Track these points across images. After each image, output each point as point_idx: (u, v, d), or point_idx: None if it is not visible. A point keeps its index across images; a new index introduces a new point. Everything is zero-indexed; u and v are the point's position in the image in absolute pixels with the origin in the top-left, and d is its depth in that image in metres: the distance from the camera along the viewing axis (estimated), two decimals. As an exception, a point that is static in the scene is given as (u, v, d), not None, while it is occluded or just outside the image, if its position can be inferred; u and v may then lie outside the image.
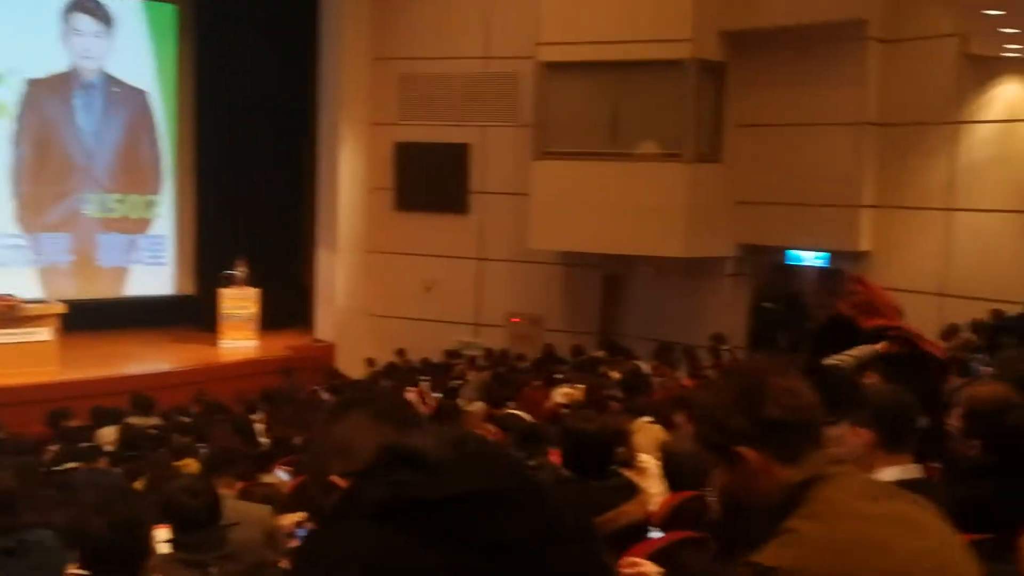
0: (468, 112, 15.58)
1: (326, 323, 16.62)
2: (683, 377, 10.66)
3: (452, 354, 14.67)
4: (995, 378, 4.70)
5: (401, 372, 13.55)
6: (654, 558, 3.11)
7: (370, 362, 14.54)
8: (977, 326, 10.10)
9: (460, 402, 9.55)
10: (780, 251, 14.21)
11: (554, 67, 13.97)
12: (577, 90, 14.09)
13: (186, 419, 10.28)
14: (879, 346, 5.88)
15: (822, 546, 1.54)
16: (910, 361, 5.53)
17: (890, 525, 1.58)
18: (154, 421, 9.72)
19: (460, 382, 12.06)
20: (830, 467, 1.67)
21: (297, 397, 12.56)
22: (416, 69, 15.81)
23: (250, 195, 17.26)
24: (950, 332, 9.91)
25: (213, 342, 15.52)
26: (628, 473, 4.31)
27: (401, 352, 14.61)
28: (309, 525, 3.85)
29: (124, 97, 16.93)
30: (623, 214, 13.35)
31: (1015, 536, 2.93)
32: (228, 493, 4.46)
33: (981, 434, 3.31)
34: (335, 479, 1.57)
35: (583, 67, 13.84)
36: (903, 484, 2.88)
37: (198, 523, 3.55)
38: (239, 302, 15.58)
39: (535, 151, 14.19)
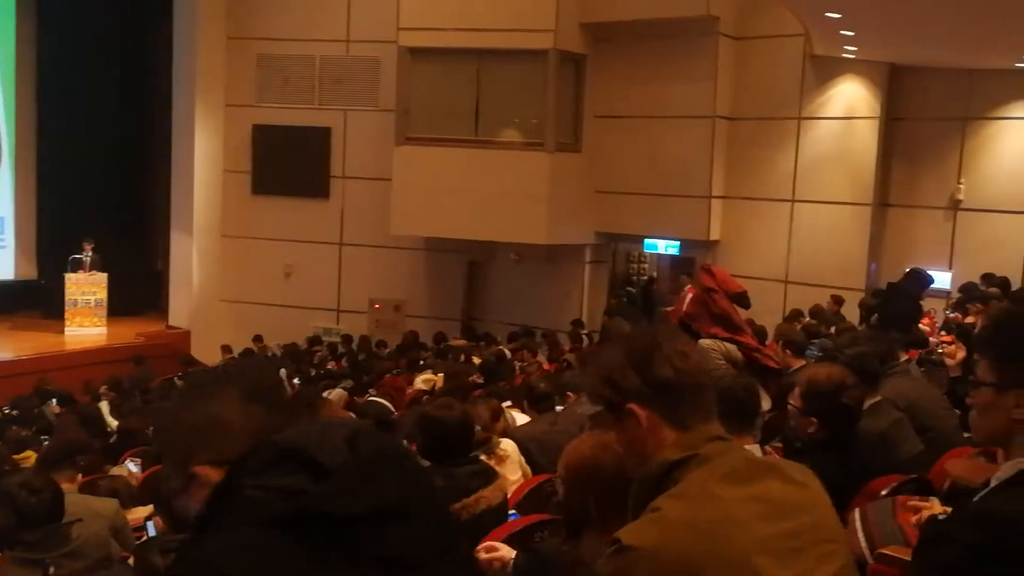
0: (329, 95, 15.33)
1: (180, 309, 16.08)
2: (544, 362, 10.83)
3: (313, 340, 14.46)
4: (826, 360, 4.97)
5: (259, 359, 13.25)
6: (510, 541, 3.17)
7: (226, 349, 14.15)
8: (815, 312, 10.63)
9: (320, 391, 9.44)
10: (638, 239, 14.61)
11: (416, 52, 13.90)
12: (439, 76, 14.06)
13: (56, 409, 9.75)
14: (742, 357, 6.27)
15: (681, 527, 1.57)
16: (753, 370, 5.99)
17: (750, 507, 1.60)
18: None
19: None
20: (709, 445, 1.68)
21: (149, 386, 12.11)
22: (274, 50, 15.43)
23: (98, 177, 16.49)
24: (793, 317, 10.41)
25: (58, 329, 14.79)
26: (488, 459, 4.37)
27: (258, 338, 14.29)
28: (159, 519, 3.74)
29: (-43, 69, 15.89)
30: (485, 201, 13.44)
31: (846, 510, 3.12)
32: (69, 488, 4.28)
33: (818, 412, 3.48)
34: (201, 469, 1.38)
35: (445, 53, 13.82)
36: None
37: (38, 520, 3.41)
38: (86, 287, 14.89)
39: (397, 136, 14.09)
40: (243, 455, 1.19)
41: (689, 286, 9.27)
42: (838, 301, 11.43)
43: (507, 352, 11.04)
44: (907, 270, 9.41)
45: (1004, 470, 1.87)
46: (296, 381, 11.52)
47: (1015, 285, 10.05)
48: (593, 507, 2.66)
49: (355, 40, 15.13)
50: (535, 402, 5.84)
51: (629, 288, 15.31)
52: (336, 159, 15.46)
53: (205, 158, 15.75)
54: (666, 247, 14.26)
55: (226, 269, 15.99)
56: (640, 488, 1.71)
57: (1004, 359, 1.89)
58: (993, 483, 1.88)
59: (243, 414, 1.41)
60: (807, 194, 12.99)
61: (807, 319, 10.17)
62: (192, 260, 15.92)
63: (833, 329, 8.90)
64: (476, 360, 10.38)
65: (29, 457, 6.33)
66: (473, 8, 13.48)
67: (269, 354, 13.69)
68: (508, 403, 6.28)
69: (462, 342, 12.65)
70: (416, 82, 14.02)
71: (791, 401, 3.59)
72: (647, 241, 14.44)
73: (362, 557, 1.11)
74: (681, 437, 1.69)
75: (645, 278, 15.73)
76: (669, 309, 11.65)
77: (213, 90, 15.61)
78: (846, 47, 11.67)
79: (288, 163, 15.40)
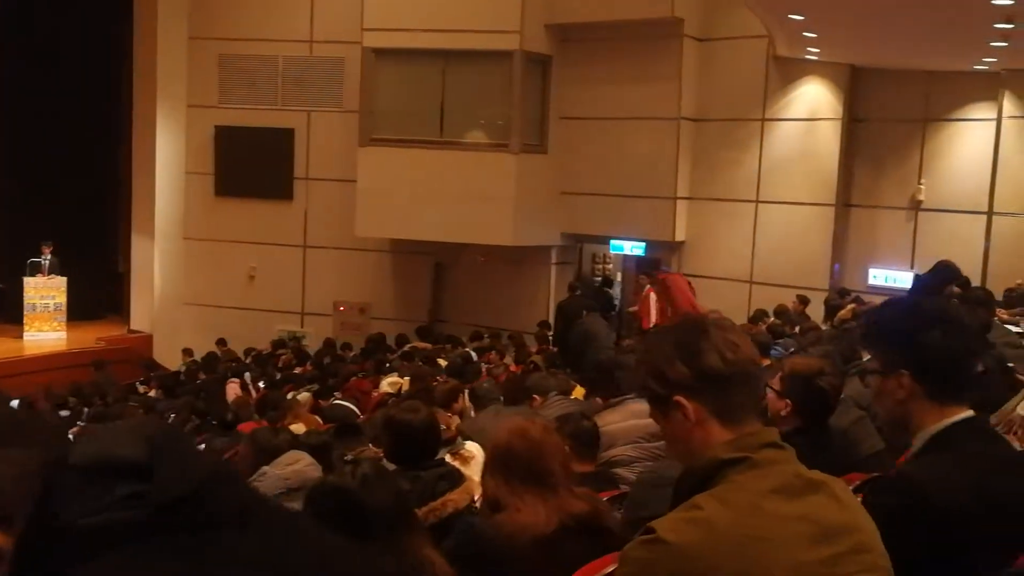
0: (292, 96, 15.21)
1: (142, 313, 15.87)
2: (511, 363, 10.81)
3: (277, 344, 14.32)
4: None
5: (222, 363, 13.12)
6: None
7: (187, 352, 14.00)
8: (780, 312, 10.70)
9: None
10: (604, 240, 14.64)
11: (380, 53, 13.83)
12: (404, 77, 14.00)
13: None
14: None
15: (723, 536, 1.52)
16: None
17: (796, 527, 1.55)
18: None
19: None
20: (763, 451, 1.62)
21: (110, 391, 11.95)
22: (237, 50, 15.27)
23: (57, 179, 16.22)
24: (757, 318, 10.46)
25: (17, 334, 14.53)
26: (452, 459, 4.34)
27: (222, 342, 14.13)
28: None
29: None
30: (451, 202, 13.39)
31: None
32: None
33: (794, 393, 3.57)
34: None
35: (410, 54, 13.76)
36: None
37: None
38: (45, 291, 14.64)
39: (362, 138, 14.01)
40: (41, 496, 1.12)
41: (648, 287, 9.29)
42: (803, 301, 11.51)
43: (473, 354, 11.01)
44: (936, 263, 9.28)
45: (916, 442, 2.06)
46: (261, 385, 11.42)
47: (975, 284, 10.16)
48: (504, 487, 2.73)
49: (318, 41, 15.01)
50: (479, 403, 6.02)
51: (606, 288, 15.22)
52: (300, 160, 15.34)
53: (167, 160, 15.56)
54: (632, 248, 14.30)
55: (189, 272, 15.80)
56: (684, 480, 1.66)
57: (880, 348, 2.08)
58: (910, 454, 2.07)
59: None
60: (771, 195, 13.08)
61: (772, 319, 10.23)
62: (154, 263, 15.72)
63: (798, 329, 8.96)
64: (443, 362, 10.33)
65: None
66: (438, 9, 13.44)
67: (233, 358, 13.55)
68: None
69: (428, 345, 12.59)
70: (381, 83, 13.94)
71: (770, 385, 3.64)
72: (612, 242, 14.47)
73: (212, 527, 1.12)
74: (734, 436, 1.63)
75: (599, 278, 15.70)
76: (634, 310, 11.67)
77: (174, 91, 15.42)
78: (808, 49, 11.77)
79: (251, 164, 15.24)
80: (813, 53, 11.99)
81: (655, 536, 1.54)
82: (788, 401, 3.51)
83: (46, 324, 14.65)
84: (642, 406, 4.84)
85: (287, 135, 15.26)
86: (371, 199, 13.82)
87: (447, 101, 13.82)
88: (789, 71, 12.81)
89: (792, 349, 6.75)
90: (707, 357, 1.65)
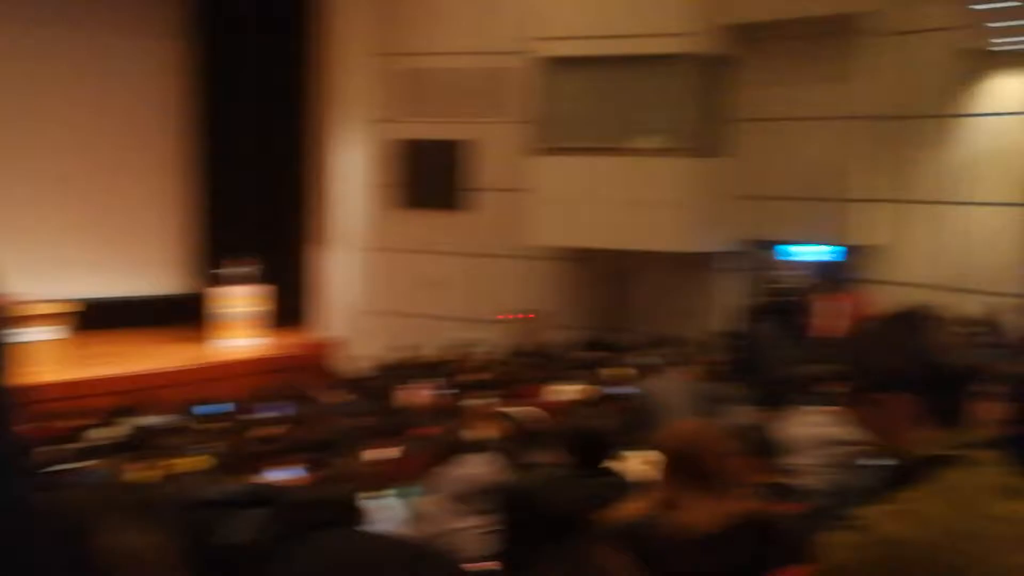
0: (469, 108, 15.56)
1: (326, 322, 16.59)
2: (690, 371, 10.58)
3: (455, 350, 14.62)
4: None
5: (400, 369, 13.50)
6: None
7: (368, 359, 14.51)
8: (979, 319, 10.06)
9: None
10: (784, 245, 14.15)
11: (555, 62, 13.93)
12: (578, 85, 14.04)
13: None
14: None
15: (938, 529, 1.50)
16: None
17: (1012, 529, 1.52)
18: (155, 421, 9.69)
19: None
20: (974, 451, 1.59)
21: (301, 396, 12.49)
22: (417, 65, 15.80)
23: (250, 193, 17.23)
24: (957, 324, 9.85)
25: (210, 341, 15.40)
26: (627, 466, 4.30)
27: (401, 349, 14.57)
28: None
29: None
30: (625, 209, 13.32)
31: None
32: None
33: (1018, 398, 3.61)
34: None
35: (584, 62, 13.80)
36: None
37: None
38: (237, 300, 15.50)
39: (537, 147, 14.15)
40: (203, 527, 1.23)
41: (835, 297, 8.90)
42: (1004, 309, 10.77)
43: (654, 361, 10.85)
44: None
45: None
46: (439, 391, 11.67)
47: None
48: (672, 487, 2.80)
49: (493, 52, 15.27)
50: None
51: (786, 297, 14.74)
52: (475, 171, 15.66)
53: (350, 173, 16.29)
54: (813, 254, 13.76)
55: (370, 282, 16.44)
56: (892, 475, 1.65)
57: None
58: None
59: (143, 532, 1.34)
60: (965, 195, 12.23)
61: (971, 326, 9.61)
62: (337, 273, 16.43)
63: (999, 336, 8.39)
64: (618, 371, 10.25)
65: (182, 464, 6.57)
66: (612, 15, 13.44)
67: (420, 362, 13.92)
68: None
69: (603, 353, 12.53)
70: (554, 92, 14.04)
71: (988, 389, 3.54)
72: (792, 248, 13.98)
73: (329, 526, 1.42)
74: (947, 435, 1.60)
75: (792, 287, 15.16)
76: (815, 320, 11.20)
77: (357, 106, 16.13)
78: (1009, 39, 11.01)
79: (430, 176, 15.75)
80: (1013, 42, 11.19)
81: (862, 524, 1.53)
82: (1011, 405, 3.38)
83: (238, 332, 15.46)
84: (819, 416, 4.68)
85: (464, 147, 15.62)
86: (547, 208, 13.93)
87: (623, 107, 13.75)
88: (984, 63, 11.97)
89: (997, 355, 6.31)
90: (924, 354, 1.64)
